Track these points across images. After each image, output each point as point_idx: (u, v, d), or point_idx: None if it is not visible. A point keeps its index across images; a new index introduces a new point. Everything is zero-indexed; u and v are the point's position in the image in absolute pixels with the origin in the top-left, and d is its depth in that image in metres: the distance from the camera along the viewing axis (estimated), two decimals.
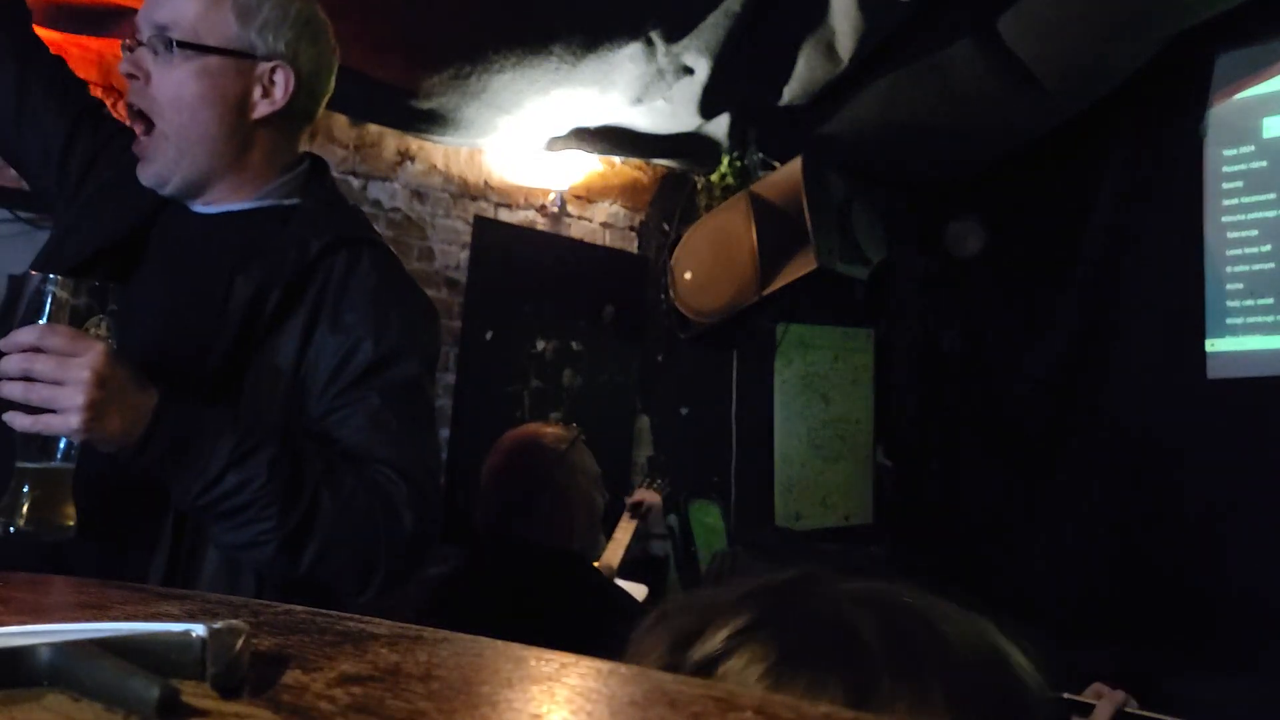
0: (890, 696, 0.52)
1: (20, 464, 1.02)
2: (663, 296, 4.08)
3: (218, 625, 0.38)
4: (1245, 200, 4.02)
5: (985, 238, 4.70)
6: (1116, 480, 4.18)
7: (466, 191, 3.62)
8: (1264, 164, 3.98)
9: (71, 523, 1.02)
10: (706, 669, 0.55)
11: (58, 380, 0.99)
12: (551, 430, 2.08)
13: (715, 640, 0.56)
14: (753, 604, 0.58)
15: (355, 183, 3.35)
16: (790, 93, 3.58)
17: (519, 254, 3.68)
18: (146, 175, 1.26)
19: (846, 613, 0.57)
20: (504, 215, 3.72)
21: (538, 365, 3.71)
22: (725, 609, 0.58)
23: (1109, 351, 4.28)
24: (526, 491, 1.88)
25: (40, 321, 1.01)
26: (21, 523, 1.00)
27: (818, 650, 0.55)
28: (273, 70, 1.26)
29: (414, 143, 3.45)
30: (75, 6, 2.57)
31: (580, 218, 3.96)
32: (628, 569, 2.76)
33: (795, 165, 3.62)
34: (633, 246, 4.15)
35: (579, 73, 3.06)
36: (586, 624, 1.70)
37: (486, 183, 3.68)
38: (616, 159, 3.96)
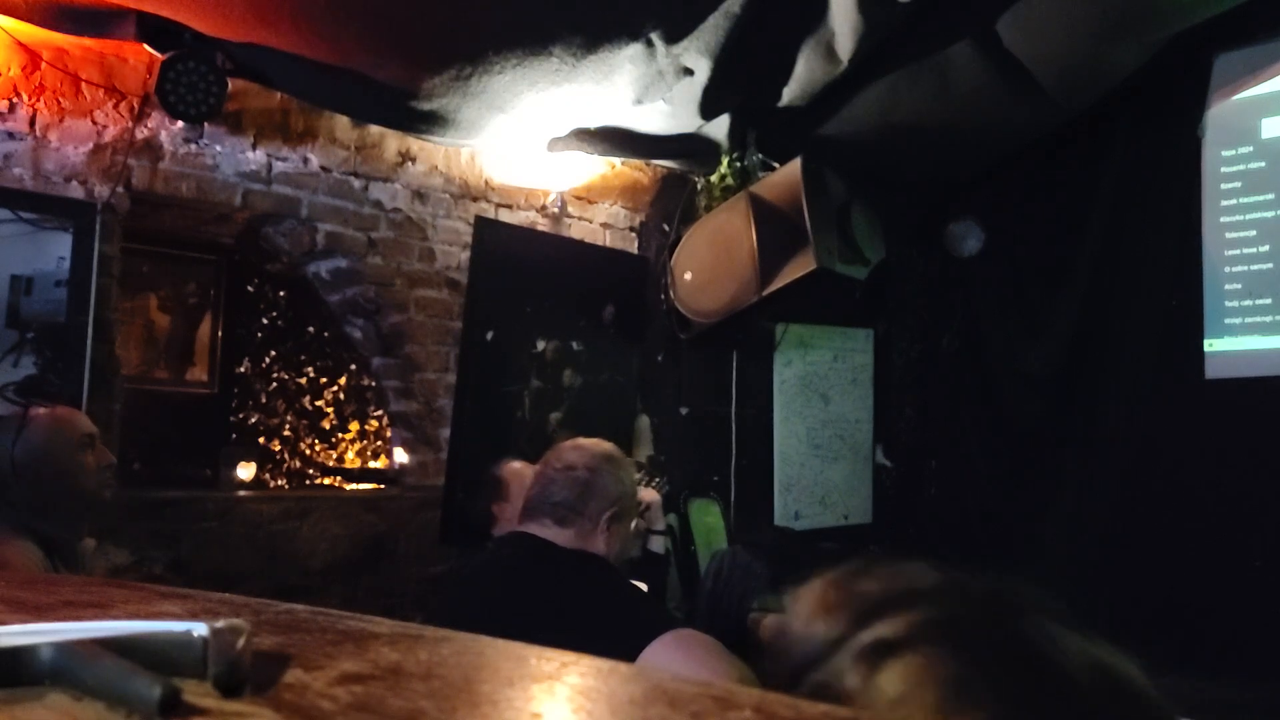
0: None
1: None
2: (663, 296, 4.08)
3: (219, 624, 0.38)
4: (1244, 201, 4.02)
5: (985, 238, 4.70)
6: (1115, 479, 4.18)
7: (467, 192, 3.63)
8: (1262, 164, 3.99)
9: None
10: (885, 649, 0.50)
11: None
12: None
13: (904, 621, 0.51)
14: (944, 596, 0.53)
15: (356, 184, 3.35)
16: (790, 94, 3.58)
17: (519, 254, 3.68)
18: None
19: (1049, 651, 0.51)
20: (505, 216, 3.72)
21: (538, 365, 3.71)
22: (916, 593, 0.53)
23: (1108, 351, 4.28)
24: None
25: None
26: None
27: (1013, 678, 0.49)
28: None
29: (415, 144, 3.46)
30: (75, 7, 2.57)
31: (581, 218, 3.96)
32: (628, 566, 2.76)
33: (795, 166, 3.62)
34: (633, 247, 4.15)
35: (579, 74, 3.06)
36: (605, 619, 1.70)
37: (487, 183, 3.68)
38: (617, 160, 3.96)
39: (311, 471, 5.14)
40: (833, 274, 3.67)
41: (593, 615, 1.70)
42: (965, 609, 0.53)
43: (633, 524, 2.03)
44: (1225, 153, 4.07)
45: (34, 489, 1.92)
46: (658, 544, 3.14)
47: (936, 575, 0.56)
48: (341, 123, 3.30)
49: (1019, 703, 0.48)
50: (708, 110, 3.51)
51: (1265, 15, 3.72)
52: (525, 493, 1.99)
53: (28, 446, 1.94)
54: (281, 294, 5.09)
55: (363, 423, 5.33)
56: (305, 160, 3.23)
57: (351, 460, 5.29)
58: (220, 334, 4.90)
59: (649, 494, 3.15)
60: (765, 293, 3.67)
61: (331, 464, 5.20)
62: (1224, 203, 4.06)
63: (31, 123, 2.71)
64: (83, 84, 2.79)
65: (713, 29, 3.06)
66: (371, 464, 5.28)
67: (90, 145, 2.80)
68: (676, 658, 1.57)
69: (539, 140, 3.54)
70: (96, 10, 2.59)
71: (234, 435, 4.89)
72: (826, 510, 4.59)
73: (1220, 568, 3.76)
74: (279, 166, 3.17)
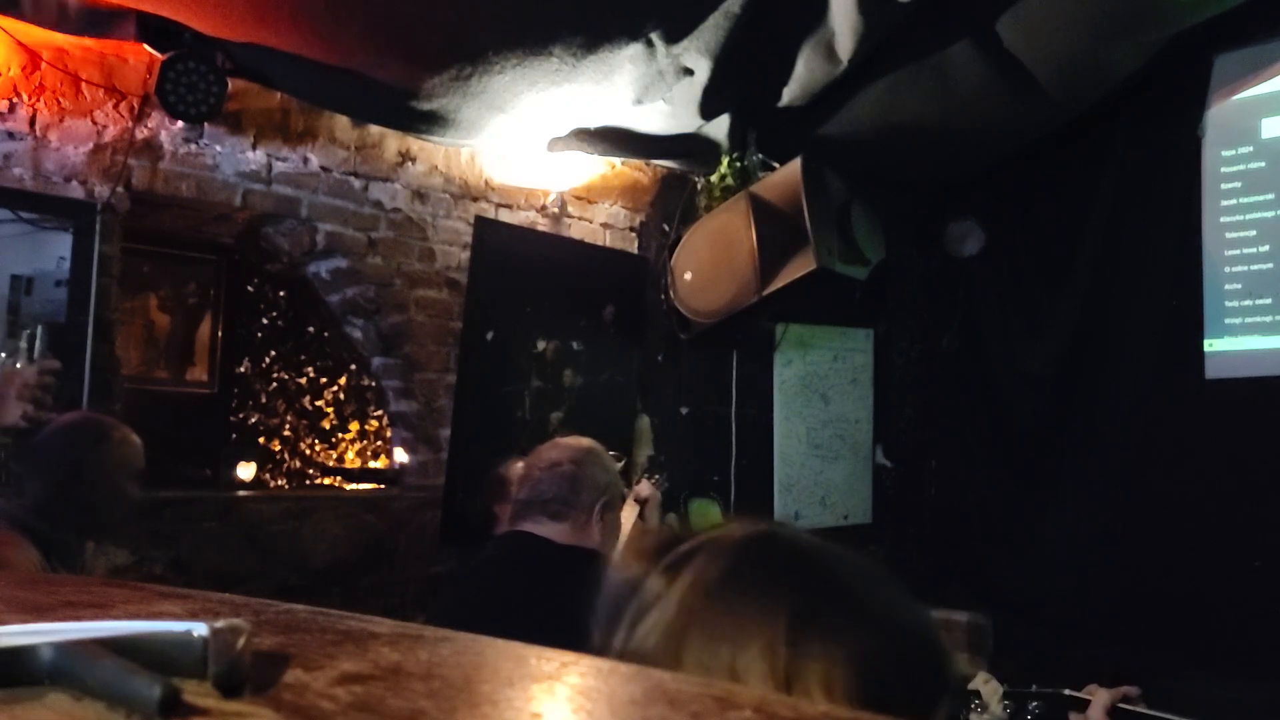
0: (831, 624, 0.57)
1: None
2: (663, 296, 4.08)
3: (219, 624, 0.38)
4: (1244, 201, 4.02)
5: (985, 238, 4.70)
6: (1115, 479, 4.18)
7: (467, 192, 3.63)
8: (1262, 164, 3.99)
9: None
10: (677, 563, 0.64)
11: None
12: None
13: (693, 540, 0.65)
14: (725, 530, 0.68)
15: (356, 184, 3.35)
16: (790, 94, 3.58)
17: (520, 254, 3.68)
18: None
19: (807, 538, 0.67)
20: (505, 216, 3.72)
21: (538, 365, 3.71)
22: (702, 535, 0.67)
23: (1108, 351, 4.28)
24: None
25: None
26: None
27: (774, 565, 0.62)
28: None
29: (415, 144, 3.45)
30: (75, 7, 2.57)
31: (580, 218, 3.96)
32: None
33: (795, 166, 3.62)
34: (633, 247, 4.15)
35: (579, 74, 3.06)
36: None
37: (487, 183, 3.68)
38: (617, 160, 3.96)
39: (311, 471, 5.14)
40: (833, 274, 3.67)
41: (590, 613, 1.70)
42: (738, 527, 0.67)
43: (624, 515, 2.05)
44: (1225, 153, 4.07)
45: (84, 499, 1.94)
46: None
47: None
48: (341, 123, 3.30)
49: (772, 578, 0.61)
50: (708, 110, 3.51)
51: (1265, 15, 3.72)
52: (514, 495, 2.01)
53: (101, 461, 1.97)
54: (281, 294, 5.09)
55: (363, 423, 5.33)
56: (305, 160, 3.23)
57: (351, 460, 5.29)
58: (220, 334, 4.90)
59: (647, 489, 3.14)
60: (765, 293, 3.67)
61: (331, 464, 5.20)
62: (1224, 203, 4.06)
63: (31, 123, 2.71)
64: (83, 84, 2.79)
65: (713, 29, 3.06)
66: (371, 464, 5.29)
67: (90, 145, 2.80)
68: None
69: (539, 140, 3.54)
70: (96, 10, 2.59)
71: (234, 435, 4.89)
72: (826, 510, 4.59)
73: (1220, 568, 3.76)
74: (279, 166, 3.17)
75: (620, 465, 2.07)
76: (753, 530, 0.66)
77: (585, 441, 2.04)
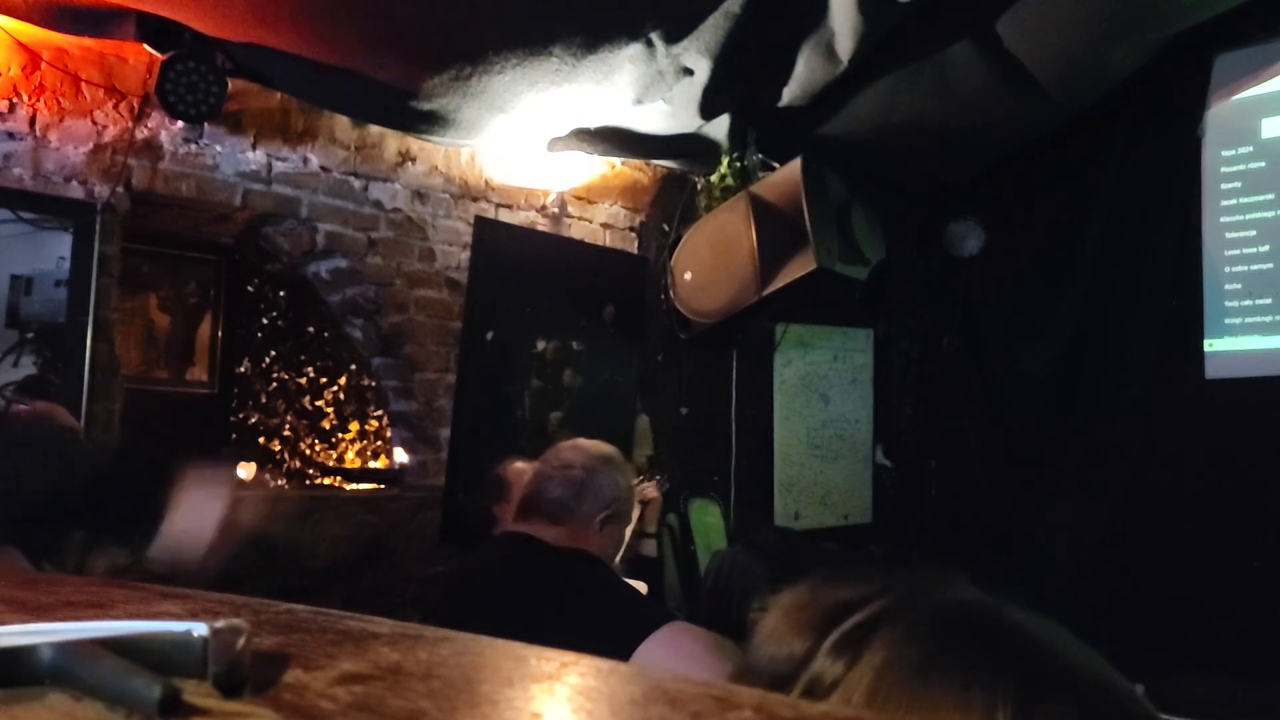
0: (1058, 702, 0.50)
1: None
2: (663, 296, 4.08)
3: (219, 624, 0.38)
4: (1244, 201, 4.02)
5: (985, 238, 4.70)
6: (1115, 479, 4.18)
7: (467, 192, 3.63)
8: (1262, 164, 3.99)
9: None
10: (859, 636, 0.54)
11: None
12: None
13: (868, 609, 0.55)
14: (901, 584, 0.58)
15: (356, 184, 3.35)
16: (790, 94, 3.58)
17: (519, 254, 3.68)
18: None
19: (1004, 605, 0.56)
20: (505, 216, 3.72)
21: (538, 365, 3.71)
22: (872, 588, 0.58)
23: (1108, 351, 4.28)
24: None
25: None
26: None
27: (980, 630, 0.54)
28: None
29: (415, 144, 3.46)
30: (75, 7, 2.57)
31: (580, 218, 3.96)
32: (625, 565, 2.76)
33: (795, 166, 3.62)
34: (633, 247, 4.15)
35: (579, 74, 3.06)
36: (599, 616, 1.70)
37: (487, 183, 3.68)
38: (617, 160, 3.96)
39: (311, 471, 5.14)
40: (833, 274, 3.67)
41: (586, 613, 1.70)
42: (921, 587, 0.58)
43: (628, 529, 2.02)
44: (1225, 153, 4.07)
45: (15, 486, 1.93)
46: (649, 547, 3.13)
47: (880, 575, 0.61)
48: (341, 123, 3.30)
49: (981, 658, 0.52)
50: (708, 110, 3.51)
51: (1265, 15, 3.72)
52: (522, 491, 1.99)
53: (6, 443, 1.95)
54: (281, 294, 5.09)
55: (363, 423, 5.33)
56: (305, 160, 3.23)
57: (351, 460, 5.29)
58: (220, 334, 4.90)
59: (650, 492, 3.14)
60: (765, 293, 3.67)
61: (331, 464, 5.20)
62: (1224, 203, 4.06)
63: (31, 123, 2.71)
64: (83, 84, 2.79)
65: (713, 29, 3.06)
66: (371, 464, 5.28)
67: (90, 145, 2.80)
68: (670, 652, 1.58)
69: (539, 140, 3.54)
70: (96, 10, 2.59)
71: (234, 435, 4.89)
72: (826, 510, 4.59)
73: (1220, 568, 3.76)
74: (279, 166, 3.17)
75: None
76: (941, 600, 0.57)
77: (606, 449, 1.98)
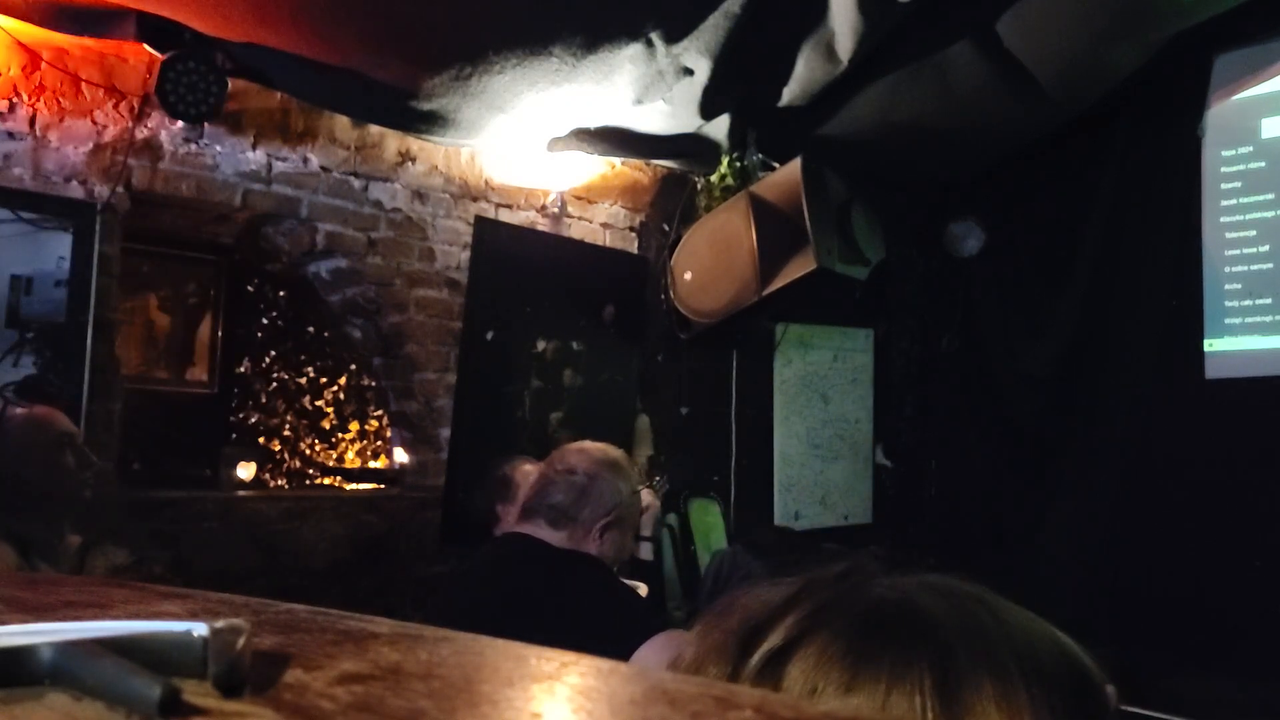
0: (974, 677, 0.52)
1: None
2: (663, 296, 4.08)
3: (219, 624, 0.38)
4: (1244, 201, 4.02)
5: (985, 238, 4.70)
6: (1115, 479, 4.19)
7: (467, 192, 3.63)
8: (1262, 164, 3.99)
9: None
10: (778, 659, 0.54)
11: None
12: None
13: (783, 628, 0.55)
14: (811, 593, 0.57)
15: (356, 184, 3.35)
16: (790, 93, 3.58)
17: (519, 254, 3.68)
18: None
19: (914, 595, 0.57)
20: (505, 216, 3.72)
21: (538, 365, 3.71)
22: (784, 602, 0.57)
23: (1108, 351, 4.28)
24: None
25: None
26: None
27: (892, 631, 0.54)
28: None
29: (415, 144, 3.45)
30: (75, 7, 2.57)
31: (580, 218, 3.96)
32: (625, 567, 2.76)
33: (795, 166, 3.62)
34: (633, 247, 4.15)
35: (579, 74, 3.06)
36: (598, 619, 1.70)
37: (487, 183, 3.68)
38: (617, 160, 3.97)
39: (311, 471, 5.14)
40: (833, 274, 3.67)
41: (585, 616, 1.70)
42: (830, 593, 0.57)
43: (630, 534, 2.01)
44: (1225, 153, 4.07)
45: (11, 488, 1.93)
46: (645, 550, 3.13)
47: (791, 579, 0.60)
48: (341, 123, 3.30)
49: (897, 660, 0.53)
50: (708, 110, 3.51)
51: (1265, 15, 3.72)
52: (525, 493, 1.99)
53: (4, 445, 1.96)
54: (281, 294, 5.09)
55: (363, 423, 5.33)
56: (305, 160, 3.23)
57: (351, 460, 5.29)
58: (220, 334, 4.90)
59: (648, 497, 3.14)
60: (765, 293, 3.67)
61: (331, 464, 5.20)
62: (1224, 203, 4.06)
63: (31, 123, 2.71)
64: (83, 84, 2.79)
65: (713, 29, 3.06)
66: (371, 464, 5.28)
67: (90, 145, 2.80)
68: (666, 660, 1.57)
69: (539, 140, 3.54)
70: (96, 10, 2.59)
71: (234, 435, 4.89)
72: (826, 510, 4.60)
73: (1220, 568, 3.76)
74: (279, 166, 3.17)
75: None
76: (852, 606, 0.56)
77: (612, 453, 1.96)
